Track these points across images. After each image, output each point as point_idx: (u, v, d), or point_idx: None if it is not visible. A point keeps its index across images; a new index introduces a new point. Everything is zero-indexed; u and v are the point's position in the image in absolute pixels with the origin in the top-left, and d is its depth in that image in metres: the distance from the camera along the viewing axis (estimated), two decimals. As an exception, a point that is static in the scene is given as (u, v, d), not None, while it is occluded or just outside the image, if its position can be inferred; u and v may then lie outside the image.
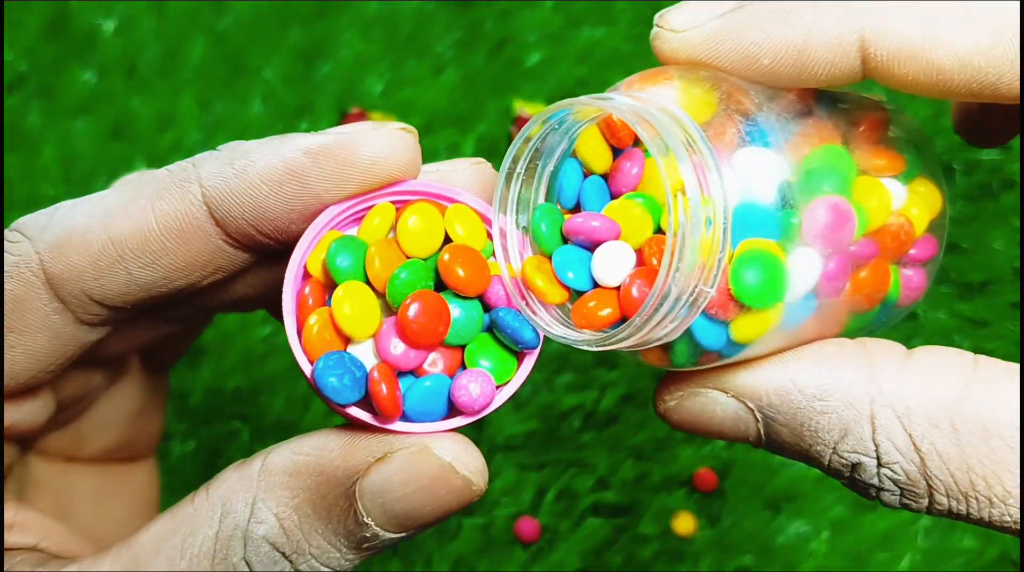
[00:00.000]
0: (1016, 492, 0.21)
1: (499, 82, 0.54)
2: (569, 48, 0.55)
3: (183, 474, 0.50)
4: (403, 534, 0.23)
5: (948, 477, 0.21)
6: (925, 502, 0.22)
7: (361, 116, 0.52)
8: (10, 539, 0.24)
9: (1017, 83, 0.22)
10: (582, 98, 0.22)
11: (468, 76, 0.54)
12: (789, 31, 0.22)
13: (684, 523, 0.49)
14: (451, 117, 0.54)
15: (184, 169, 0.24)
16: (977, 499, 0.21)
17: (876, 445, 0.22)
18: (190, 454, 0.50)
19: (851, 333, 0.23)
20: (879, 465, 0.22)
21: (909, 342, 0.23)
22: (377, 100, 0.54)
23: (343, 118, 0.53)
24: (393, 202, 0.23)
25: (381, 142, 0.22)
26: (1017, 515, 0.21)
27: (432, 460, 0.22)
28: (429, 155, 0.54)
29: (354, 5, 0.55)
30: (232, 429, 0.51)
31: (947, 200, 0.24)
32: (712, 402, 0.23)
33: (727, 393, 0.23)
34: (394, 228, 0.23)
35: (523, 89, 0.54)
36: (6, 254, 0.23)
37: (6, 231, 0.23)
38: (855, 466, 0.22)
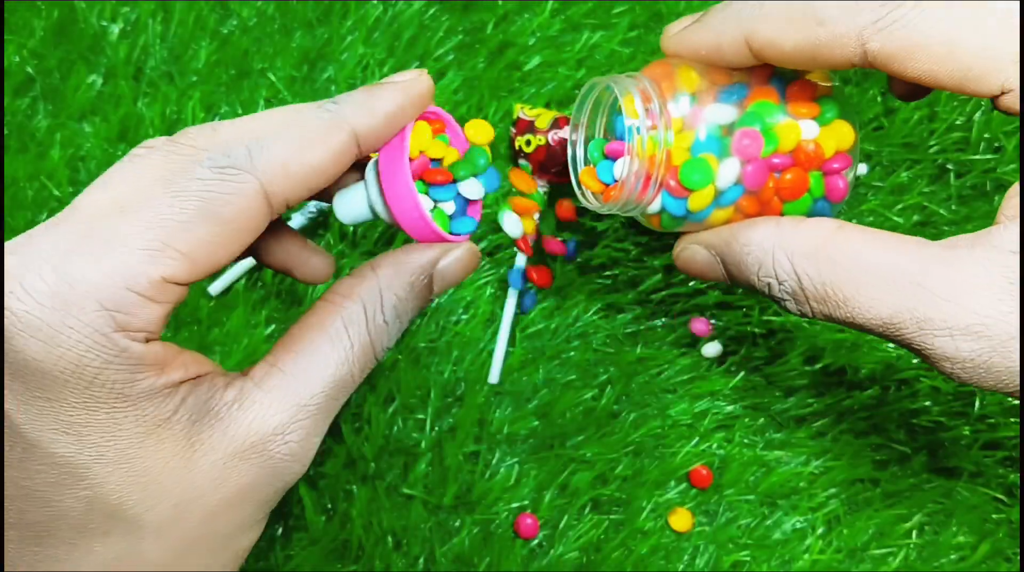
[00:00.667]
0: (854, 300, 0.33)
1: (499, 85, 0.55)
2: (568, 52, 0.55)
3: (188, 471, 0.50)
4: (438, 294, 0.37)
5: (812, 288, 0.34)
6: (807, 307, 0.35)
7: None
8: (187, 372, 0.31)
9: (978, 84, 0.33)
10: (604, 77, 0.37)
11: (469, 79, 0.55)
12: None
13: (681, 519, 0.50)
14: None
15: (335, 111, 0.33)
16: (828, 302, 0.34)
17: (775, 272, 0.35)
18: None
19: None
20: (779, 283, 0.35)
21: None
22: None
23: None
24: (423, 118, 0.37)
25: (429, 82, 0.35)
26: (855, 316, 0.34)
27: (472, 249, 0.36)
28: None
29: (357, 10, 0.55)
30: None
31: (858, 135, 0.37)
32: (694, 251, 0.38)
33: (699, 245, 0.38)
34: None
35: (523, 92, 0.55)
36: (227, 180, 0.31)
37: (207, 156, 0.31)
38: (768, 285, 0.36)
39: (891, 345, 0.52)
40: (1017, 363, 0.32)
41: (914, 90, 0.40)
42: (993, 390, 0.33)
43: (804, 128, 0.37)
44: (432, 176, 0.36)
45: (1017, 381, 0.33)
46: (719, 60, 0.37)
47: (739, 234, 0.36)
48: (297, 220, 0.53)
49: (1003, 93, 0.33)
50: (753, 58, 0.36)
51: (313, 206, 0.53)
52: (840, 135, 0.37)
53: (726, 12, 0.37)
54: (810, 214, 0.37)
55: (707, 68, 0.37)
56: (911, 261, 0.33)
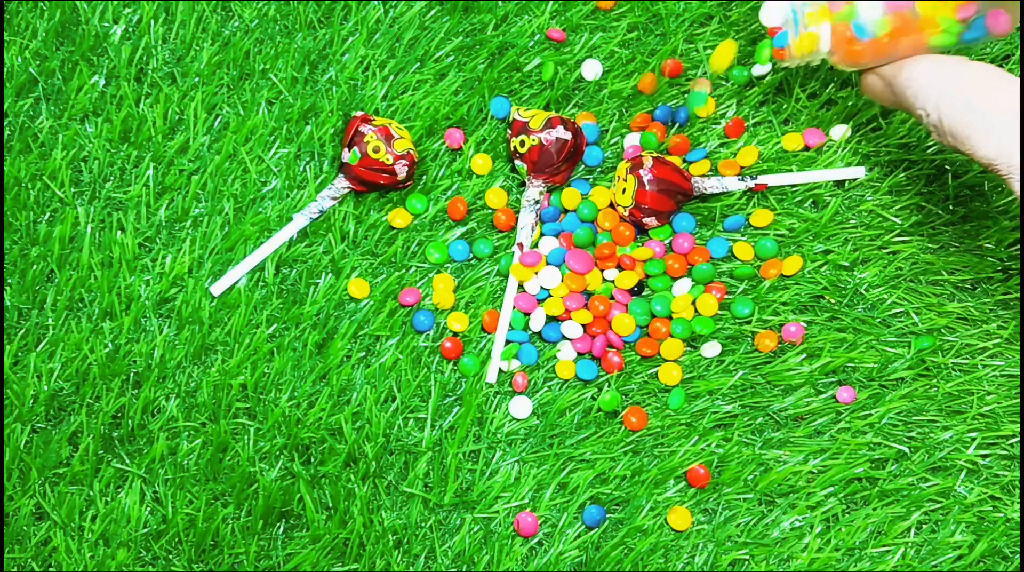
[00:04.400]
0: (973, 139, 0.45)
1: (499, 86, 0.55)
2: (567, 53, 0.55)
3: (191, 470, 0.51)
4: None
5: (949, 125, 0.45)
6: (943, 139, 0.46)
7: (365, 120, 0.52)
8: None
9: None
10: None
11: (469, 80, 0.55)
12: None
13: (679, 518, 0.50)
14: (452, 121, 0.55)
15: None
16: (957, 139, 0.45)
17: (925, 106, 0.46)
18: (197, 450, 0.51)
19: (945, 47, 0.48)
20: (927, 115, 0.46)
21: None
22: (380, 104, 0.55)
23: (347, 122, 0.54)
24: None
25: None
26: (974, 151, 0.45)
27: None
28: (430, 158, 0.55)
29: (358, 11, 0.56)
30: (239, 426, 0.51)
31: None
32: (872, 80, 0.49)
33: (877, 75, 0.49)
34: None
35: (522, 93, 0.55)
36: None
37: None
38: (921, 115, 0.47)
39: (887, 342, 0.52)
40: None
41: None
42: None
43: None
44: None
45: None
46: None
47: (905, 68, 0.47)
48: (298, 220, 0.53)
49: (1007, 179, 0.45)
50: None
51: (314, 206, 0.53)
52: None
53: None
54: (966, 44, 0.48)
55: None
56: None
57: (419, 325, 0.52)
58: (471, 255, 0.53)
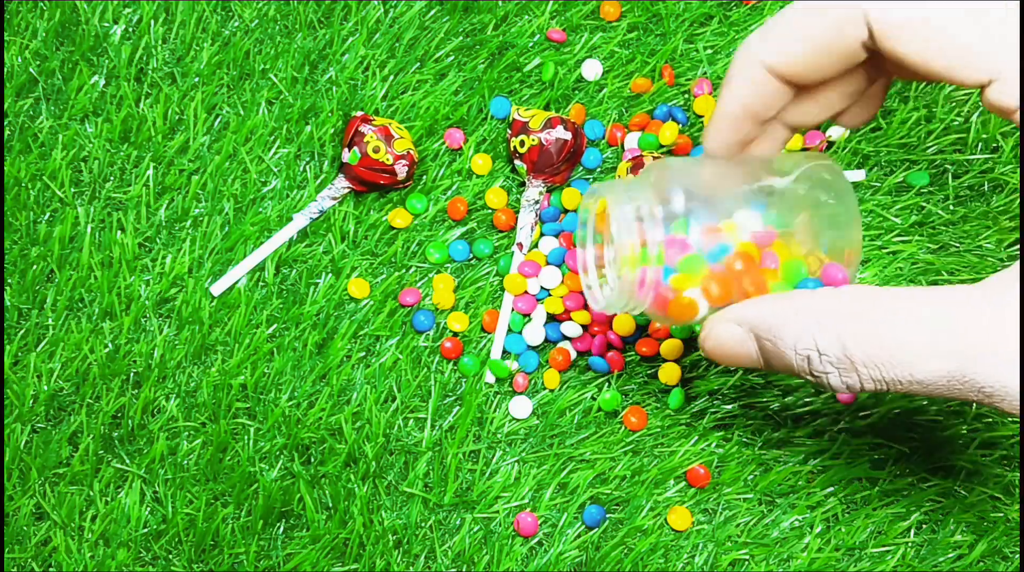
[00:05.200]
0: (897, 352, 0.32)
1: (499, 86, 0.55)
2: (567, 53, 0.55)
3: (191, 470, 0.51)
4: None
5: (860, 352, 0.33)
6: (854, 376, 0.33)
7: (365, 120, 0.52)
8: None
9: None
10: (601, 189, 0.41)
11: (469, 81, 0.55)
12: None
13: (679, 517, 0.50)
14: (452, 121, 0.55)
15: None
16: (881, 365, 0.32)
17: (815, 342, 0.33)
18: (197, 450, 0.51)
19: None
20: (820, 354, 0.33)
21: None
22: (380, 104, 0.55)
23: (347, 122, 0.54)
24: None
25: None
26: (913, 373, 0.32)
27: None
28: (430, 158, 0.55)
29: (358, 11, 0.56)
30: (239, 426, 0.51)
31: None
32: (724, 330, 0.36)
33: (730, 321, 0.36)
34: None
35: (522, 93, 0.55)
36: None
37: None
38: (808, 358, 0.34)
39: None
40: None
41: (862, 110, 0.41)
42: None
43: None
44: None
45: None
46: (756, 107, 0.37)
47: (772, 304, 0.35)
48: (298, 220, 0.53)
49: (990, 82, 0.33)
50: (782, 85, 0.37)
51: (314, 206, 0.53)
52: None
53: (735, 59, 0.38)
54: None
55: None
56: (959, 305, 0.32)
57: (419, 325, 0.52)
58: (471, 255, 0.54)
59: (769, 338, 0.35)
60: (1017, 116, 0.33)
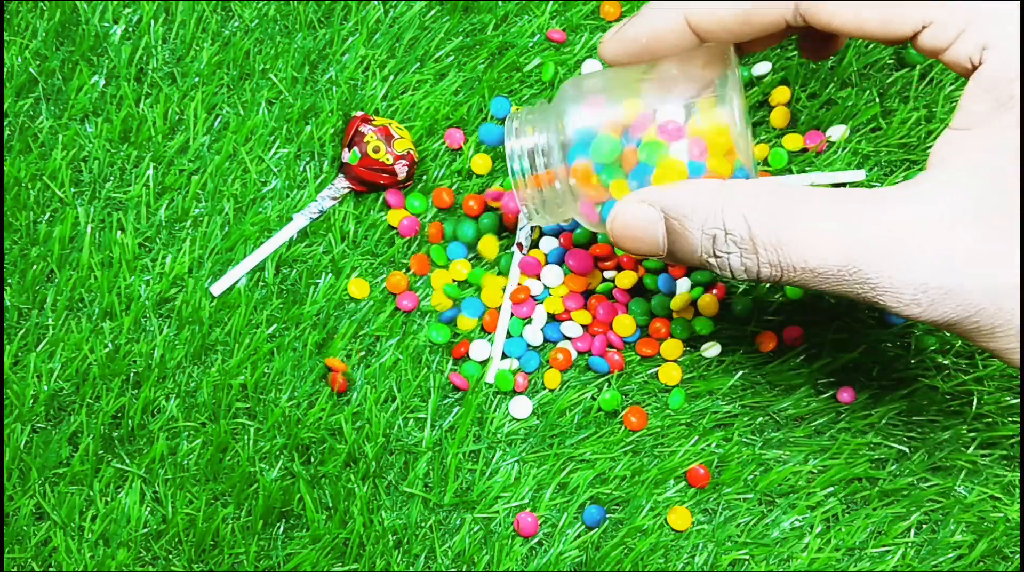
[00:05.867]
0: (804, 241, 0.34)
1: (499, 86, 0.55)
2: (567, 53, 0.55)
3: (191, 470, 0.51)
4: None
5: (763, 233, 0.34)
6: (754, 259, 0.35)
7: (365, 120, 0.52)
8: None
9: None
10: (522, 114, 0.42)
11: (469, 81, 0.55)
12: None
13: (679, 517, 0.50)
14: (452, 121, 0.55)
15: None
16: (780, 248, 0.34)
17: (723, 221, 0.35)
18: (197, 450, 0.51)
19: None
20: (726, 234, 0.35)
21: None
22: (380, 104, 0.55)
23: (347, 122, 0.54)
24: None
25: None
26: (807, 259, 0.34)
27: None
28: (430, 158, 0.55)
29: (358, 11, 0.56)
30: (239, 426, 0.51)
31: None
32: (635, 210, 0.37)
33: (642, 201, 0.37)
34: None
35: (522, 93, 0.55)
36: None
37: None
38: (714, 238, 0.35)
39: (887, 342, 0.52)
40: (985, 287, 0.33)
41: (822, 48, 0.42)
42: (948, 327, 0.34)
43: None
44: None
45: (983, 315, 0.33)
46: (660, 46, 0.38)
47: (684, 187, 0.36)
48: (298, 220, 0.53)
49: (923, 27, 0.35)
50: (694, 38, 0.38)
51: (314, 206, 0.53)
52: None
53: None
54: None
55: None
56: (860, 202, 0.34)
57: (445, 317, 0.52)
58: (468, 254, 0.54)
59: (678, 217, 0.36)
60: (947, 56, 0.35)
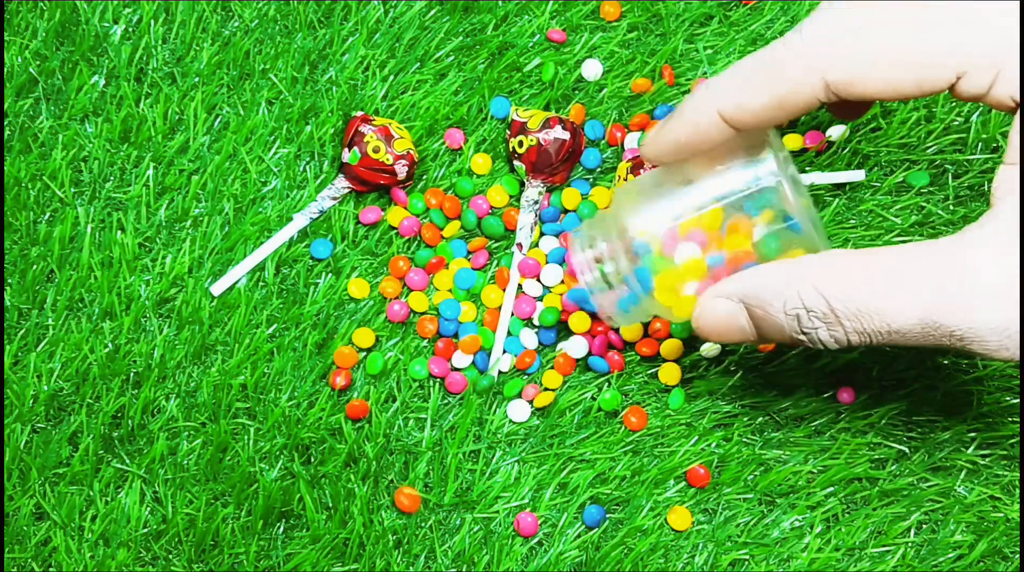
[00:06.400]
0: (885, 306, 0.34)
1: (499, 86, 0.55)
2: (567, 53, 0.55)
3: (191, 470, 0.51)
4: None
5: (842, 306, 0.35)
6: (839, 329, 0.35)
7: (365, 120, 0.52)
8: None
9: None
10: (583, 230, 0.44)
11: (469, 81, 0.55)
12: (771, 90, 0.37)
13: (679, 517, 0.50)
14: (452, 121, 0.55)
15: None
16: (861, 317, 0.35)
17: (802, 300, 0.35)
18: (197, 450, 0.51)
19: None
20: (808, 311, 0.36)
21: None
22: (380, 104, 0.55)
23: (347, 122, 0.54)
24: None
25: None
26: (890, 322, 0.34)
27: None
28: (430, 158, 0.55)
29: (358, 11, 0.56)
30: (239, 426, 0.51)
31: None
32: (715, 304, 0.38)
33: (719, 296, 0.38)
34: None
35: (522, 93, 0.55)
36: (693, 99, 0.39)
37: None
38: (798, 317, 0.36)
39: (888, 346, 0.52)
40: None
41: (855, 109, 0.44)
42: None
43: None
44: None
45: None
46: (700, 142, 0.39)
47: (757, 275, 0.37)
48: (298, 220, 0.53)
49: (958, 78, 0.35)
50: (729, 129, 0.38)
51: (314, 206, 0.53)
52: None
53: (694, 95, 0.39)
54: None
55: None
56: (928, 255, 0.34)
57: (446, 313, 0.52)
58: (469, 253, 0.54)
59: (759, 305, 0.37)
60: (988, 100, 0.35)
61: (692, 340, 0.52)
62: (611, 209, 0.42)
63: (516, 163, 0.53)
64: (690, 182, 0.40)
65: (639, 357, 0.52)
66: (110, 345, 0.52)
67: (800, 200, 0.38)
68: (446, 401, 0.52)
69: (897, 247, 0.35)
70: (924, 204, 0.54)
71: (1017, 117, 0.35)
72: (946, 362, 0.52)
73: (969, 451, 0.51)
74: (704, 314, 0.39)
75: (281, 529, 0.50)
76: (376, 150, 0.51)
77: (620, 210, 0.41)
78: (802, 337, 0.37)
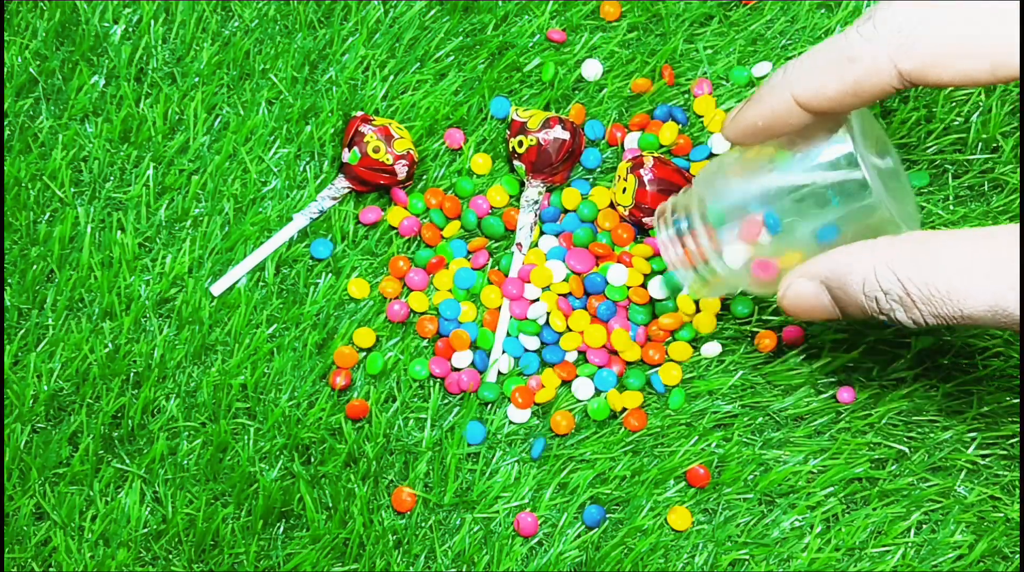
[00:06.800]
0: (956, 291, 0.35)
1: (499, 86, 0.55)
2: (567, 53, 0.55)
3: (191, 470, 0.51)
4: None
5: (917, 290, 0.36)
6: (916, 312, 0.36)
7: (365, 120, 0.53)
8: None
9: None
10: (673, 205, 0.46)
11: (469, 80, 0.55)
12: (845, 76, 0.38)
13: (679, 518, 0.50)
14: (452, 121, 0.55)
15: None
16: (934, 301, 0.36)
17: (879, 283, 0.37)
18: (197, 450, 0.51)
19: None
20: (885, 294, 0.37)
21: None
22: (380, 104, 0.55)
23: (347, 122, 0.54)
24: None
25: None
26: (963, 308, 0.35)
27: None
28: (430, 158, 0.55)
29: (358, 11, 0.56)
30: (239, 426, 0.51)
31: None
32: (799, 285, 0.40)
33: (803, 277, 0.40)
34: None
35: (522, 93, 0.55)
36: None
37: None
38: (876, 299, 0.37)
39: (887, 342, 0.52)
40: None
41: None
42: None
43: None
44: None
45: None
46: (777, 126, 0.40)
47: (838, 257, 0.38)
48: (298, 220, 0.53)
49: None
50: (806, 114, 0.39)
51: (314, 206, 0.53)
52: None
53: (770, 81, 0.40)
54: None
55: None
56: (994, 245, 0.35)
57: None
58: (470, 254, 0.54)
59: (839, 286, 0.38)
60: None
61: (692, 341, 0.52)
62: (694, 188, 0.44)
63: (516, 163, 0.53)
64: (772, 165, 0.42)
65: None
66: (110, 345, 0.52)
67: (877, 183, 0.39)
68: (446, 401, 0.52)
69: (966, 232, 0.36)
70: (924, 204, 0.54)
71: None
72: (946, 362, 0.52)
73: (969, 451, 0.51)
74: (789, 295, 0.40)
75: (281, 529, 0.50)
76: (376, 150, 0.51)
77: (703, 191, 0.43)
78: (883, 317, 0.38)
